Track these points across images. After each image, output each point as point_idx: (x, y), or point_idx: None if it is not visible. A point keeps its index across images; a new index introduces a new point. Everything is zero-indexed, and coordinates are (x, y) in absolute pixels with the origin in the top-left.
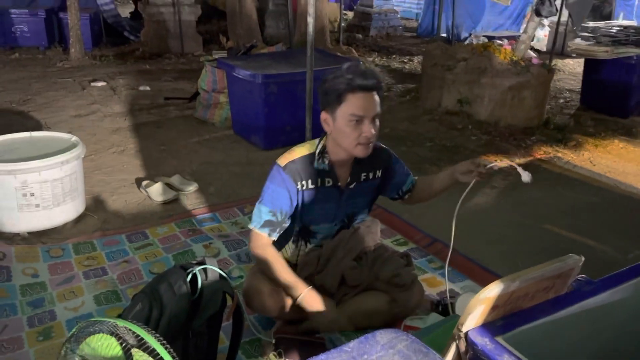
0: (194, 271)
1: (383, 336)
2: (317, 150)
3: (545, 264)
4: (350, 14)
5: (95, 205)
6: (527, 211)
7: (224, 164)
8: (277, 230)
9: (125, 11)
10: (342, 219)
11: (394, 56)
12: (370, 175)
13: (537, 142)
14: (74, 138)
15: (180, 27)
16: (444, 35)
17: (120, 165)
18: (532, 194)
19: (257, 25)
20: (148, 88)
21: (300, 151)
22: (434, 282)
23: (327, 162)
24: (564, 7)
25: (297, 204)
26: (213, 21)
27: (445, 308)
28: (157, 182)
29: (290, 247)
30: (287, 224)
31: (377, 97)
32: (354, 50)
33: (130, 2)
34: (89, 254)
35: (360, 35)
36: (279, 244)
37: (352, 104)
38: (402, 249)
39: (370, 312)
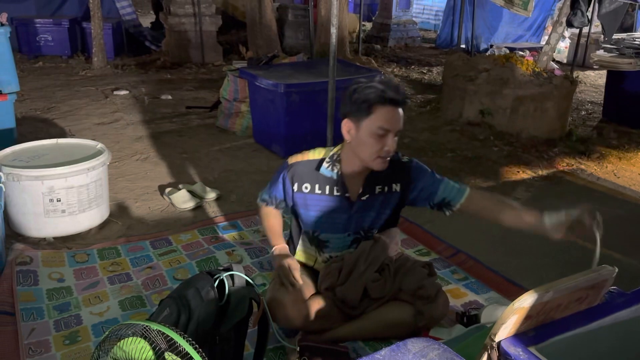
0: (221, 277)
1: (415, 345)
2: (327, 157)
3: (579, 274)
4: (369, 25)
5: (119, 212)
6: None
7: (245, 172)
8: (274, 204)
9: (146, 21)
10: (357, 231)
11: (412, 67)
12: (386, 189)
13: (560, 153)
14: (99, 145)
15: (201, 37)
16: (463, 46)
17: (143, 172)
18: (555, 206)
19: (276, 35)
20: (170, 97)
21: (311, 155)
22: (458, 294)
23: (336, 170)
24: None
25: (295, 204)
26: (233, 32)
27: (470, 320)
28: (180, 189)
29: (307, 245)
30: (283, 206)
31: (402, 113)
32: (373, 61)
33: (151, 12)
34: (113, 260)
35: (378, 46)
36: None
37: (381, 116)
38: (424, 259)
39: (395, 323)
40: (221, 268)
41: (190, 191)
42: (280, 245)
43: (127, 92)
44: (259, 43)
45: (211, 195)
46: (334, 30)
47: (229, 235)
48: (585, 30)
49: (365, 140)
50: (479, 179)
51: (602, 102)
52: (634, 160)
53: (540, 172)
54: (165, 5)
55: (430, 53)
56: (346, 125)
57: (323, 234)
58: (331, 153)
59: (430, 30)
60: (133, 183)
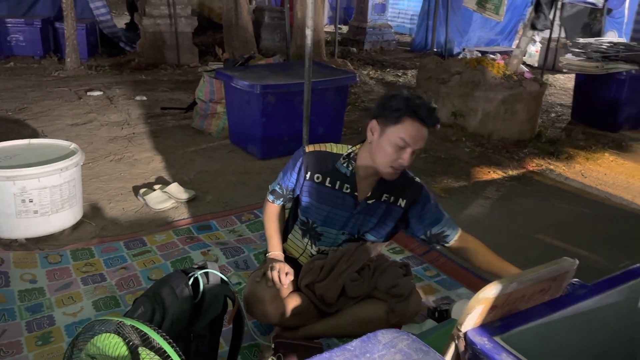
0: (195, 275)
1: (385, 336)
2: (345, 154)
3: (541, 266)
4: (345, 28)
5: (92, 213)
6: (520, 222)
7: (221, 173)
8: (281, 199)
9: (121, 22)
10: (352, 232)
11: (388, 69)
12: (392, 199)
13: (530, 154)
14: (72, 145)
15: (176, 39)
16: (437, 50)
17: (117, 173)
18: (525, 206)
19: (253, 37)
20: (144, 98)
21: (330, 147)
22: (430, 290)
23: (350, 168)
24: (554, 25)
25: (302, 192)
26: (209, 33)
27: (441, 315)
28: (154, 190)
29: (298, 237)
30: (291, 197)
31: (426, 134)
32: (349, 63)
33: (126, 13)
34: (87, 261)
35: (354, 49)
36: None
37: (406, 129)
38: (398, 257)
39: (368, 320)
40: (196, 266)
41: (165, 192)
42: (277, 252)
43: (101, 93)
44: (235, 45)
45: (186, 196)
46: (309, 32)
47: (204, 236)
48: (555, 34)
49: (384, 146)
50: (451, 179)
51: (571, 104)
52: (600, 161)
53: (510, 173)
54: (140, 6)
55: (405, 56)
56: (372, 126)
57: (320, 227)
58: (349, 150)
59: (405, 34)
60: (107, 184)
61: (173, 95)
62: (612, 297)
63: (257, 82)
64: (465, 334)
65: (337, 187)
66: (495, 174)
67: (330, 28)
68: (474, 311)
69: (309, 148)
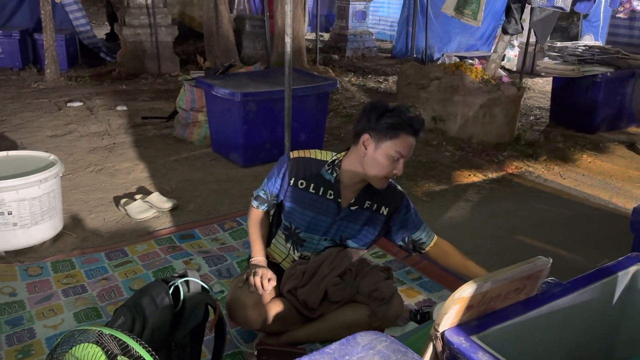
0: (176, 284)
1: (363, 338)
2: (329, 161)
3: (515, 265)
4: (327, 35)
5: (73, 224)
6: (500, 223)
7: (203, 181)
8: (266, 204)
9: (101, 33)
10: (334, 238)
11: (369, 76)
12: (375, 207)
13: (509, 157)
14: (52, 156)
15: (157, 48)
16: (417, 56)
17: (98, 184)
18: (505, 207)
19: (234, 45)
20: (125, 108)
21: (315, 154)
22: (412, 293)
23: (335, 175)
24: (532, 29)
25: (285, 198)
26: (190, 42)
27: (423, 317)
28: (135, 200)
29: (281, 242)
30: (275, 202)
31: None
32: (330, 70)
33: (106, 23)
34: (67, 272)
35: (336, 56)
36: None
37: (402, 143)
38: (380, 262)
39: (351, 324)
40: (176, 275)
41: (146, 202)
42: (260, 258)
43: (81, 103)
44: (216, 53)
45: (168, 205)
46: (288, 40)
47: (187, 245)
48: (532, 39)
49: (380, 160)
50: (432, 182)
51: (549, 107)
52: (578, 162)
53: (490, 175)
54: (120, 16)
55: (386, 63)
56: (365, 139)
57: (303, 233)
58: (334, 157)
59: (386, 41)
60: (87, 195)
61: (154, 105)
62: (586, 294)
63: (238, 90)
64: (442, 333)
65: (320, 193)
66: (475, 177)
67: (311, 35)
68: (450, 311)
69: (294, 154)
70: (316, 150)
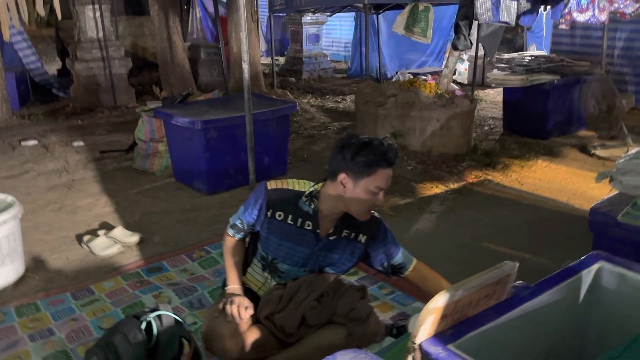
0: (147, 319)
1: (344, 356)
2: (307, 192)
3: (484, 272)
4: (282, 59)
5: (36, 266)
6: (465, 232)
7: (167, 212)
8: (241, 233)
9: (53, 68)
10: (313, 268)
11: (327, 96)
12: (353, 235)
13: (468, 167)
14: (9, 198)
15: (111, 81)
16: (372, 75)
17: (58, 222)
18: (469, 216)
19: (190, 74)
20: (82, 143)
21: (292, 184)
22: (386, 308)
23: (313, 206)
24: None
25: (263, 229)
26: (144, 73)
27: (399, 330)
28: (99, 236)
29: (257, 271)
30: (250, 231)
31: None
32: (288, 93)
33: (57, 59)
34: (33, 316)
35: (293, 79)
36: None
37: (380, 177)
38: (353, 278)
39: (329, 345)
40: (147, 310)
41: (110, 237)
42: (236, 286)
43: (36, 142)
44: (172, 82)
45: (133, 239)
46: (245, 66)
47: (155, 278)
48: (481, 52)
49: (361, 196)
50: (397, 197)
51: (502, 117)
52: (534, 168)
53: (451, 186)
54: (72, 51)
55: (342, 83)
56: (342, 179)
57: (281, 264)
58: (311, 189)
59: (341, 62)
60: (49, 234)
61: (112, 138)
62: (553, 295)
63: (198, 118)
64: (420, 345)
65: (299, 224)
66: (437, 189)
67: (267, 60)
68: (425, 322)
69: (271, 185)
70: (293, 180)
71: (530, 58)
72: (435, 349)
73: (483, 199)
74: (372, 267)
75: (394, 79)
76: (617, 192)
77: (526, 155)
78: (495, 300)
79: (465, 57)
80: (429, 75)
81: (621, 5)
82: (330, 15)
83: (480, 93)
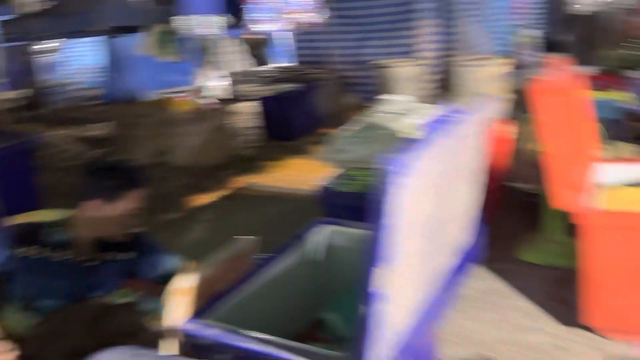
0: None
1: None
2: (59, 220)
3: (222, 248)
4: (28, 92)
5: None
6: (241, 233)
7: None
8: None
9: None
10: (79, 299)
11: (84, 125)
12: (119, 257)
13: (232, 174)
14: None
15: None
16: (130, 97)
17: None
18: (239, 218)
19: None
20: None
21: (38, 216)
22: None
23: (66, 234)
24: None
25: (10, 268)
26: None
27: None
28: None
29: (13, 313)
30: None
31: None
32: (39, 126)
33: None
34: None
35: (43, 111)
36: None
37: (134, 199)
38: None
39: None
40: None
41: None
42: None
43: None
44: None
45: None
46: None
47: None
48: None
49: (118, 219)
50: (168, 212)
51: (259, 125)
52: (288, 166)
53: (220, 194)
54: None
55: (98, 109)
56: (96, 205)
57: (36, 302)
58: (62, 217)
59: (94, 88)
60: None
61: None
62: (287, 260)
63: None
64: (180, 327)
65: (53, 256)
66: (207, 199)
67: (13, 94)
68: (177, 306)
69: (16, 220)
70: (42, 211)
71: (272, 69)
72: (191, 326)
73: (250, 200)
74: (143, 280)
75: (150, 100)
76: (338, 169)
77: (283, 157)
78: (240, 273)
79: (214, 74)
80: (183, 93)
81: (299, 17)
82: (73, 40)
83: (235, 106)
